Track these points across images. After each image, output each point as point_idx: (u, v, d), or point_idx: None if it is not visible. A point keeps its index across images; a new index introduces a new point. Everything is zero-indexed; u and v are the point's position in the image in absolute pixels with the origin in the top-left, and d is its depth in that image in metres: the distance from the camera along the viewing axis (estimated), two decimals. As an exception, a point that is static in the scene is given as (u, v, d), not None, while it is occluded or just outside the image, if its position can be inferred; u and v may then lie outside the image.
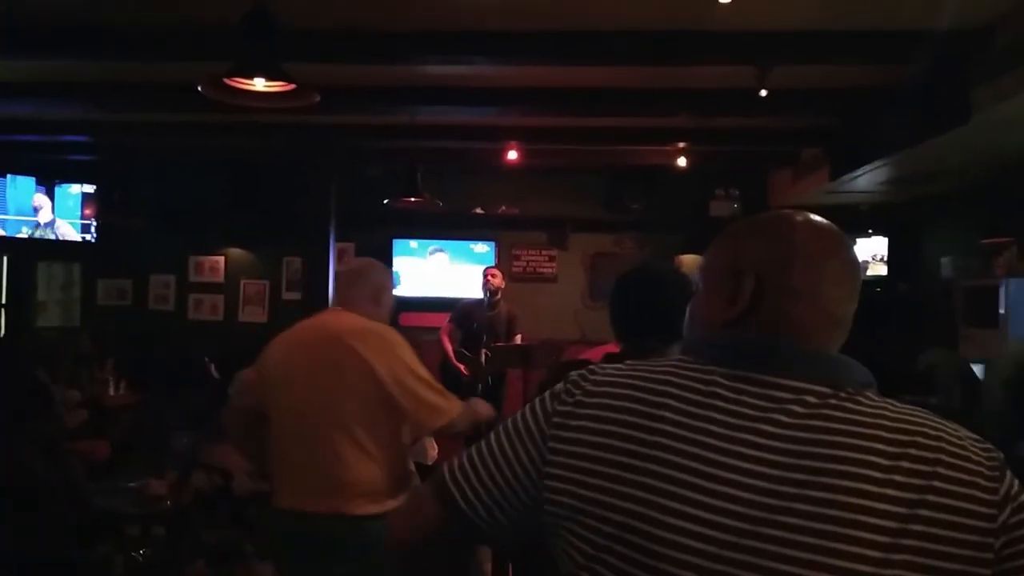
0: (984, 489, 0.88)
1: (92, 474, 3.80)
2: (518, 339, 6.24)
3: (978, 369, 4.50)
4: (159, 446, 3.96)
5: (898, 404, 0.96)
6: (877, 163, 5.37)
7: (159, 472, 3.64)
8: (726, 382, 0.93)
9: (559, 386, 1.02)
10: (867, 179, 5.88)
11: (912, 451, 0.88)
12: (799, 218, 1.04)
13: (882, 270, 7.20)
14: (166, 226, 7.79)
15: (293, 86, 2.86)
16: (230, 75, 2.79)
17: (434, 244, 7.95)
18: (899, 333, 6.59)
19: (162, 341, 7.45)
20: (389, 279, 2.84)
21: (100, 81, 5.20)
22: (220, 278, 8.08)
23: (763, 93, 4.47)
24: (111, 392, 6.54)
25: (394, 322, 8.18)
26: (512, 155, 6.78)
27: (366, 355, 2.40)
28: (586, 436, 0.95)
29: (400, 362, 2.44)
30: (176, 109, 5.62)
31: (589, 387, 0.99)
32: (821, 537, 0.83)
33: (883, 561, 0.82)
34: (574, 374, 1.03)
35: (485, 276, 6.40)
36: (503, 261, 7.88)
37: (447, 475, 1.05)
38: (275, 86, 2.88)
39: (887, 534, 0.83)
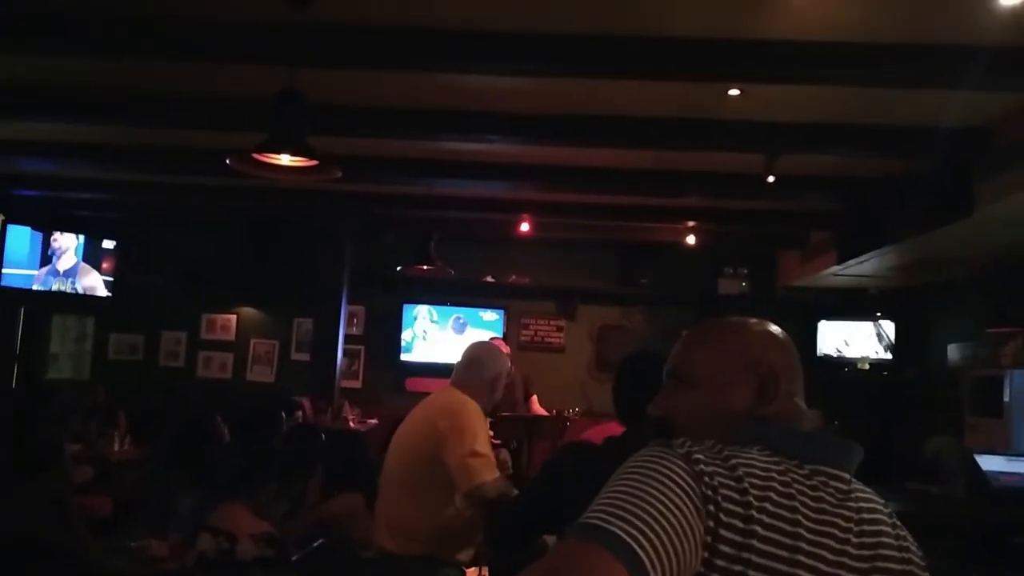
0: None
1: (92, 532, 3.79)
2: (535, 399, 6.29)
3: (982, 460, 4.48)
4: (163, 505, 3.95)
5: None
6: (883, 250, 5.46)
7: (161, 532, 3.63)
8: (805, 478, 1.02)
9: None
10: (874, 264, 5.97)
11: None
12: (778, 330, 1.21)
13: (886, 355, 7.22)
14: (181, 283, 7.92)
15: (317, 162, 2.98)
16: (259, 150, 2.92)
17: (445, 311, 8.03)
18: (906, 419, 6.58)
19: (170, 397, 7.49)
20: (505, 366, 3.05)
21: (127, 144, 5.39)
22: (231, 336, 8.18)
23: (771, 179, 4.60)
24: (116, 447, 6.54)
25: (400, 387, 8.15)
26: (524, 227, 6.92)
27: (440, 425, 2.75)
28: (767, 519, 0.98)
29: (461, 433, 2.71)
30: (200, 173, 5.79)
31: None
32: None
33: None
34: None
35: None
36: (512, 329, 7.95)
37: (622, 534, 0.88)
38: (300, 161, 3.00)
39: None
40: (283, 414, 4.58)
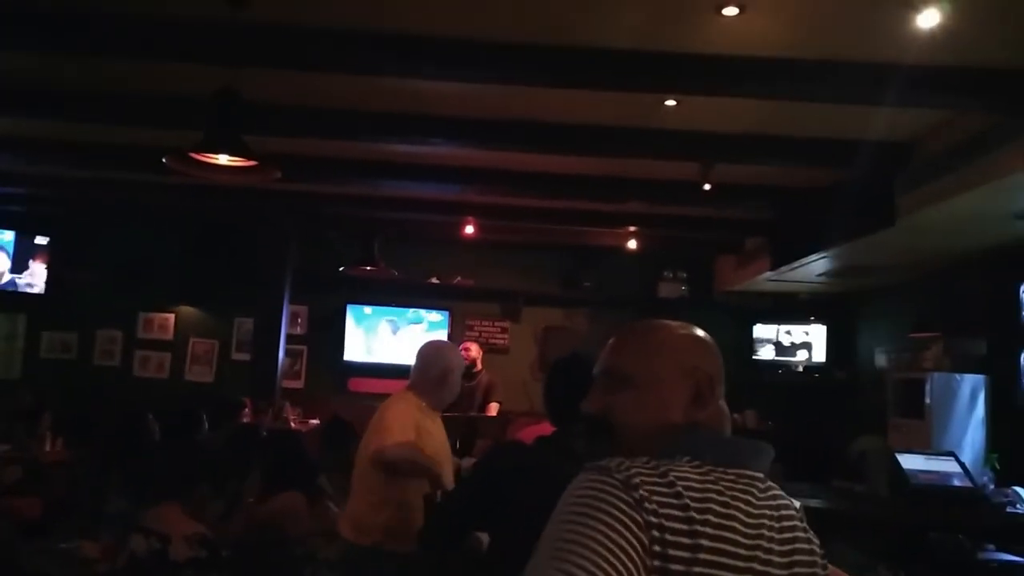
0: None
1: (22, 533, 3.71)
2: (492, 408, 6.32)
3: (903, 459, 4.66)
4: (94, 507, 3.88)
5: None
6: (813, 257, 5.67)
7: (92, 534, 3.57)
8: (731, 481, 1.08)
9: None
10: (805, 270, 6.18)
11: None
12: (704, 333, 1.26)
13: (818, 358, 7.47)
14: (117, 281, 7.73)
15: (255, 162, 2.98)
16: (196, 150, 2.91)
17: (388, 311, 8.02)
18: (835, 420, 6.82)
19: (105, 397, 7.31)
20: (454, 362, 3.11)
21: (64, 139, 5.27)
22: (169, 335, 8.01)
23: (707, 187, 4.74)
24: (47, 448, 6.38)
25: (343, 387, 8.09)
26: (469, 229, 6.97)
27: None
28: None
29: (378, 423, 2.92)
30: (139, 171, 5.69)
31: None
32: None
33: None
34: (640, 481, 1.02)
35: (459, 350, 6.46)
36: (456, 331, 7.98)
37: None
38: (238, 161, 2.99)
39: None
40: (204, 416, 4.55)
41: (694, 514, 0.99)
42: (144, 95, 4.27)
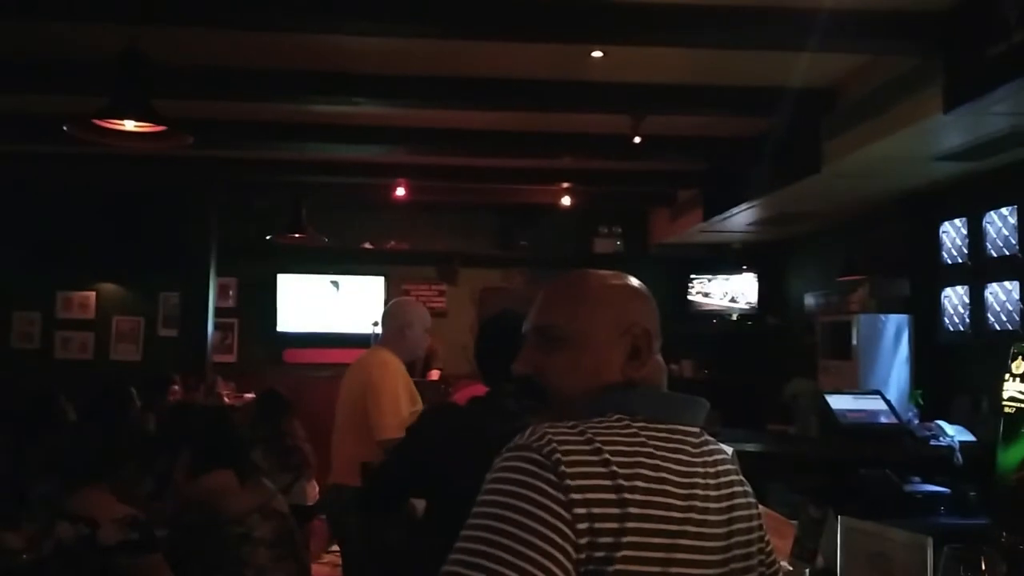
0: None
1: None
2: (434, 374, 6.29)
3: (832, 399, 4.81)
4: (15, 495, 3.72)
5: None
6: (744, 206, 5.73)
7: (14, 524, 3.42)
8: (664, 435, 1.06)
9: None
10: (736, 220, 6.26)
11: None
12: (640, 283, 1.21)
13: (750, 306, 7.63)
14: (31, 259, 7.36)
15: (164, 128, 2.82)
16: (100, 116, 2.74)
17: (322, 279, 7.84)
18: (768, 366, 7.00)
19: (25, 382, 7.00)
20: (416, 315, 3.53)
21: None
22: (90, 314, 7.67)
23: (637, 140, 4.72)
24: (-34, 437, 6.09)
25: (278, 359, 7.96)
26: (400, 192, 6.83)
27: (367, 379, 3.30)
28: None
29: (380, 396, 3.24)
30: (43, 140, 5.38)
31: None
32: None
33: None
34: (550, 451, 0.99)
35: None
36: (393, 295, 7.85)
37: None
38: (146, 127, 2.83)
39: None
40: (132, 391, 4.40)
41: (622, 481, 0.97)
42: (41, 59, 4.01)
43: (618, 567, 0.94)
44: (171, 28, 3.46)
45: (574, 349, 1.13)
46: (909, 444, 4.27)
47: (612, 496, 0.96)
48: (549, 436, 0.99)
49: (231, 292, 7.72)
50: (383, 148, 5.70)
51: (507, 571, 0.91)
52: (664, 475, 1.01)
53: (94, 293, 7.70)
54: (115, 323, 7.70)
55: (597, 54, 3.89)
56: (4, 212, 7.38)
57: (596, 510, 0.95)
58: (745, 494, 1.13)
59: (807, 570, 1.93)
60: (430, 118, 5.06)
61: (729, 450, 1.21)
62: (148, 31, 3.09)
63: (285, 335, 7.67)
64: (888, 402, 4.56)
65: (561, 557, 0.92)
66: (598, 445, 0.99)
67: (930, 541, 1.56)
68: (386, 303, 7.34)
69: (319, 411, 6.32)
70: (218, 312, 7.30)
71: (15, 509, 3.53)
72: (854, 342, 5.39)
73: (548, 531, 0.93)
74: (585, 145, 5.55)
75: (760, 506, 1.19)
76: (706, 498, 1.04)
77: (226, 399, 6.34)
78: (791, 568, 1.94)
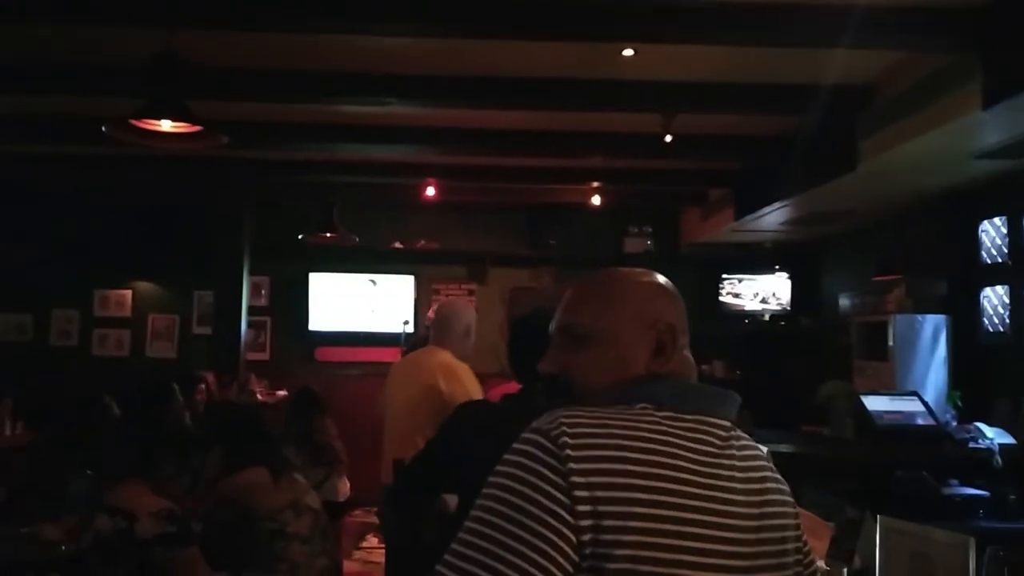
0: None
1: (-17, 520, 3.61)
2: None
3: (868, 400, 4.73)
4: (55, 489, 3.80)
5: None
6: (776, 205, 5.67)
7: (55, 517, 3.49)
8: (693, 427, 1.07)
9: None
10: (769, 219, 6.19)
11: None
12: (666, 280, 1.22)
13: (784, 306, 7.54)
14: (69, 258, 7.51)
15: (200, 128, 2.86)
16: (136, 117, 2.78)
17: (353, 277, 7.90)
18: (802, 366, 6.92)
19: (64, 379, 7.15)
20: (472, 315, 3.59)
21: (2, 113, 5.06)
22: (127, 312, 7.81)
23: (668, 138, 4.69)
24: (7, 433, 6.24)
25: (310, 357, 8.05)
26: (430, 191, 6.86)
27: (443, 386, 3.23)
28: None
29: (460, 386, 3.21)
30: (82, 142, 5.48)
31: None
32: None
33: None
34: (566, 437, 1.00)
35: (428, 313, 6.39)
36: (423, 295, 7.90)
37: None
38: (182, 127, 2.87)
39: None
40: (175, 388, 4.46)
41: (633, 467, 0.98)
42: (79, 62, 4.08)
43: (627, 551, 0.94)
44: (204, 31, 3.51)
45: (599, 346, 1.14)
46: (947, 446, 4.18)
47: (621, 480, 0.96)
48: (561, 420, 1.00)
49: (263, 291, 7.81)
50: (413, 148, 5.72)
51: (502, 553, 0.93)
52: (682, 463, 1.01)
53: (130, 291, 7.85)
54: (151, 321, 7.83)
55: (628, 52, 3.87)
56: (43, 213, 7.54)
57: (601, 493, 0.95)
58: (781, 492, 1.13)
59: (845, 570, 1.91)
60: (460, 118, 5.07)
61: (764, 449, 1.20)
62: (182, 34, 3.13)
63: (316, 334, 7.74)
64: (925, 404, 4.47)
65: (557, 539, 0.93)
66: (613, 430, 1.00)
67: (972, 542, 1.54)
68: (416, 303, 7.45)
69: (348, 409, 6.42)
70: (251, 311, 7.39)
71: (56, 503, 3.61)
72: (890, 343, 5.31)
73: (544, 514, 0.94)
74: (615, 144, 5.52)
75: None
76: (731, 490, 1.04)
77: (259, 396, 6.42)
78: (828, 568, 1.92)
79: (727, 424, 1.10)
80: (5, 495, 4.66)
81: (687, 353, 1.17)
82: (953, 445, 4.18)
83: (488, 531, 0.95)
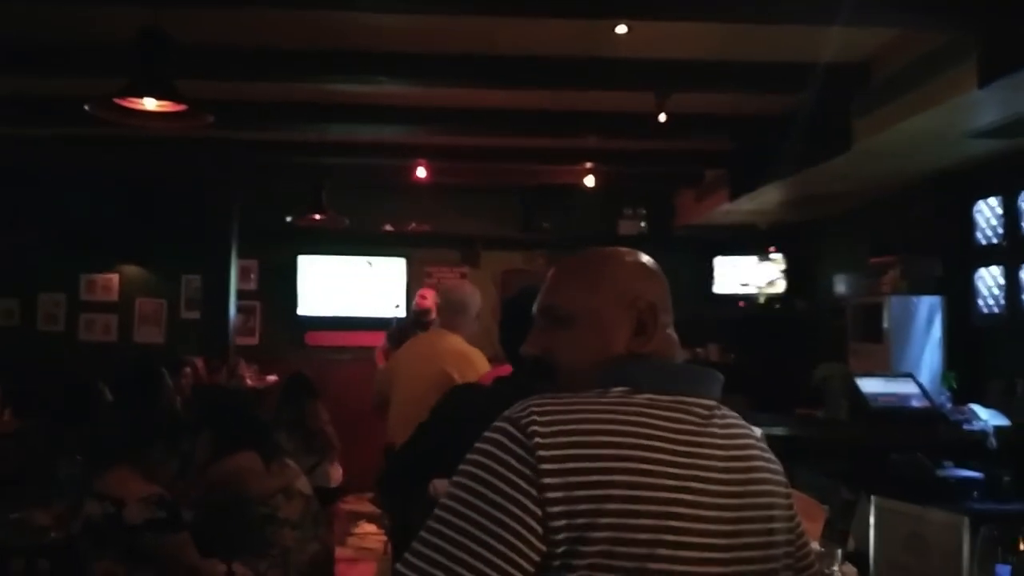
0: None
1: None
2: None
3: (863, 382, 4.72)
4: (44, 475, 3.76)
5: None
6: (771, 186, 5.63)
7: (44, 503, 3.46)
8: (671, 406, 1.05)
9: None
10: (763, 200, 6.16)
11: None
12: (648, 259, 1.20)
13: (778, 288, 7.52)
14: (55, 242, 7.40)
15: (185, 107, 2.80)
16: (120, 95, 2.72)
17: (343, 260, 7.83)
18: (797, 349, 6.90)
19: (52, 364, 7.08)
20: (480, 299, 3.61)
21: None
22: (114, 296, 7.72)
23: (662, 118, 4.63)
24: (-4, 418, 6.18)
25: (300, 341, 8.00)
26: (421, 172, 6.79)
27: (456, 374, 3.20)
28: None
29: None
30: (67, 124, 5.39)
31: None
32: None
33: None
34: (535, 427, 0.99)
35: (416, 297, 6.33)
36: (414, 278, 7.85)
37: None
38: (167, 106, 2.81)
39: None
40: (164, 373, 4.42)
41: (605, 450, 0.97)
42: (62, 41, 4.00)
43: (604, 533, 0.94)
44: (191, 7, 3.44)
45: (579, 327, 1.13)
46: (942, 428, 4.18)
47: (593, 465, 0.95)
48: (531, 408, 1.00)
49: (252, 275, 7.73)
50: (404, 128, 5.66)
51: (466, 541, 0.92)
52: (658, 444, 1.00)
53: (117, 275, 7.75)
54: (138, 305, 7.74)
55: (622, 29, 3.81)
56: (28, 195, 7.44)
57: (573, 479, 0.94)
58: (770, 471, 1.11)
59: (839, 551, 1.89)
60: (452, 97, 5.01)
61: (758, 432, 1.19)
62: (168, 11, 3.05)
63: (306, 318, 7.68)
64: (920, 385, 4.47)
65: (523, 530, 0.93)
66: (585, 415, 0.99)
67: (966, 521, 1.54)
68: (408, 286, 7.39)
69: (339, 394, 6.38)
70: (240, 294, 7.32)
71: (45, 488, 3.57)
72: (885, 324, 5.29)
73: (510, 504, 0.93)
74: (609, 124, 5.46)
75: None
76: (710, 468, 1.02)
77: (248, 381, 6.37)
78: (823, 550, 1.90)
79: (709, 403, 1.09)
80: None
81: (670, 332, 1.16)
82: (948, 427, 4.18)
83: (450, 527, 0.94)
